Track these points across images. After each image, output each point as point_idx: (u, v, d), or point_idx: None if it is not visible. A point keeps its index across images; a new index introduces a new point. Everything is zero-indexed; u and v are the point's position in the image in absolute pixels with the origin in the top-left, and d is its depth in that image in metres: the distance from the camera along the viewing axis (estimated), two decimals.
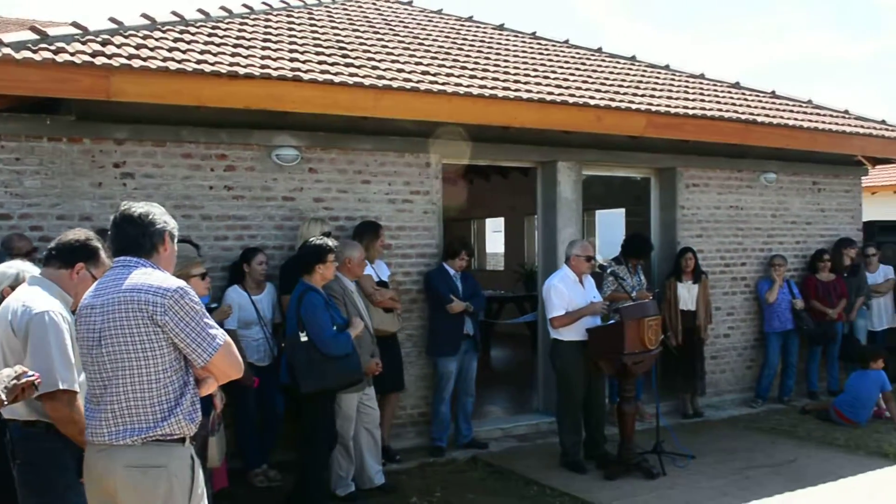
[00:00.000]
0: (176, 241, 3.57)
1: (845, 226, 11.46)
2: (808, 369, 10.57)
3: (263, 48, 7.52)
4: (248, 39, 7.75)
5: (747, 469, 7.42)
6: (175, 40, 7.10)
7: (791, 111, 10.69)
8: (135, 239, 3.40)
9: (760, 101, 10.82)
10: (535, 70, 9.34)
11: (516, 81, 8.50)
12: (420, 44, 9.40)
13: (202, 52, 6.86)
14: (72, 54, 6.04)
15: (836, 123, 10.66)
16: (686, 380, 9.53)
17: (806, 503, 6.54)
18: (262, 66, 6.82)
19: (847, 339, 10.65)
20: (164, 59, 6.41)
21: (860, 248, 11.21)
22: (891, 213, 13.57)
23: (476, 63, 9.00)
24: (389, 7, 11.47)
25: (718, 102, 10.04)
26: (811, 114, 10.89)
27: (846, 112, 11.52)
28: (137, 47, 6.60)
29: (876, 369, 9.14)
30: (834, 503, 6.59)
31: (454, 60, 8.88)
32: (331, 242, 6.26)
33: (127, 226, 3.41)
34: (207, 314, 3.35)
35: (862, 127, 10.91)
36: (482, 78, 8.31)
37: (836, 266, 10.65)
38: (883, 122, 11.46)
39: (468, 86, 7.83)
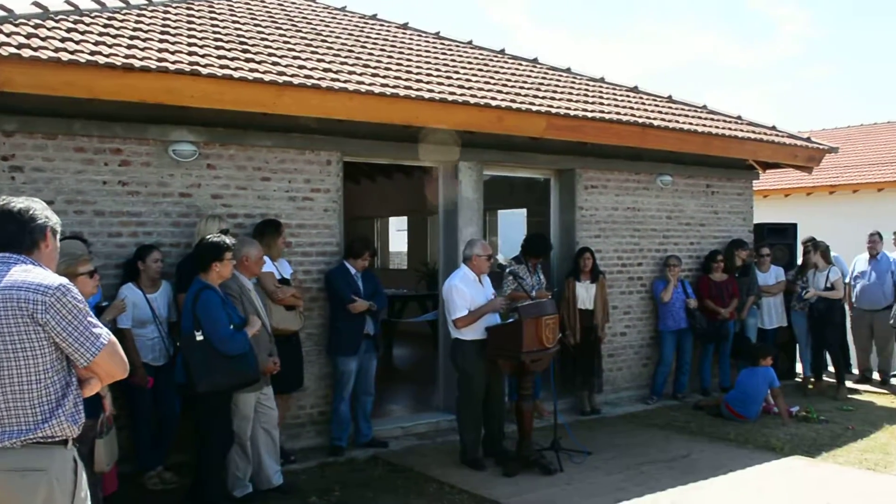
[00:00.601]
0: (59, 237, 3.46)
1: (737, 227, 11.83)
2: (702, 366, 10.90)
3: (161, 41, 7.35)
4: (146, 31, 7.57)
5: (642, 464, 7.58)
6: (68, 30, 6.89)
7: (686, 115, 10.98)
8: (14, 235, 3.29)
9: (657, 105, 11.08)
10: (437, 70, 9.38)
11: (419, 81, 8.52)
12: (322, 41, 9.34)
13: (96, 44, 6.67)
14: None
15: (729, 128, 11.01)
16: (584, 377, 9.71)
17: (698, 495, 6.72)
18: (159, 60, 6.69)
19: (738, 337, 11.00)
20: (56, 50, 6.21)
21: (752, 249, 11.59)
22: (782, 216, 14.06)
23: (379, 61, 8.98)
24: (292, 3, 11.37)
25: (617, 106, 10.24)
26: (706, 118, 11.22)
27: (739, 118, 11.89)
28: (28, 36, 6.38)
29: (765, 366, 9.48)
30: (724, 494, 6.79)
31: (357, 58, 8.86)
32: (228, 240, 6.18)
33: (6, 221, 3.29)
34: (91, 313, 3.26)
35: (753, 132, 11.30)
36: (384, 76, 8.31)
37: (728, 266, 10.99)
38: (773, 127, 11.88)
39: (370, 84, 7.82)
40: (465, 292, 7.41)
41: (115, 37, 7.07)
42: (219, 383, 5.93)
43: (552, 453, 7.48)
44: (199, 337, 5.87)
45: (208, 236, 6.23)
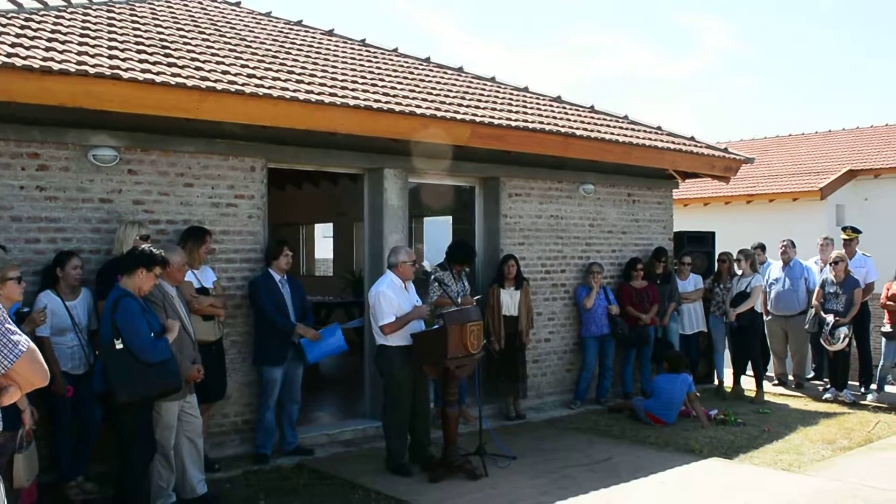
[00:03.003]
0: None
1: (658, 235, 12.07)
2: (624, 371, 11.08)
3: (81, 44, 7.21)
4: (65, 34, 7.41)
5: (566, 468, 7.68)
6: None
7: (608, 126, 11.18)
8: None
9: (580, 116, 11.26)
10: (363, 77, 9.39)
11: (343, 88, 8.52)
12: (247, 46, 9.28)
13: (13, 46, 6.50)
14: None
15: (650, 139, 11.24)
16: (508, 383, 9.78)
17: (620, 498, 6.83)
18: (79, 63, 6.55)
19: (660, 342, 11.21)
20: None
21: (674, 257, 11.83)
22: (701, 224, 14.40)
23: (303, 68, 8.96)
24: (216, 7, 11.27)
25: (540, 115, 10.38)
26: (627, 129, 11.43)
27: (659, 128, 12.15)
28: None
29: (683, 372, 9.72)
30: (646, 496, 6.92)
31: (281, 64, 8.82)
32: (164, 254, 6.07)
33: None
34: (9, 319, 3.17)
35: (673, 143, 11.55)
36: (309, 83, 8.29)
37: (648, 273, 11.20)
38: (692, 138, 12.17)
39: (294, 90, 7.78)
40: (393, 298, 7.43)
41: (32, 38, 6.91)
42: (140, 392, 5.81)
43: (478, 458, 7.53)
44: (119, 345, 5.74)
45: (144, 246, 6.10)
